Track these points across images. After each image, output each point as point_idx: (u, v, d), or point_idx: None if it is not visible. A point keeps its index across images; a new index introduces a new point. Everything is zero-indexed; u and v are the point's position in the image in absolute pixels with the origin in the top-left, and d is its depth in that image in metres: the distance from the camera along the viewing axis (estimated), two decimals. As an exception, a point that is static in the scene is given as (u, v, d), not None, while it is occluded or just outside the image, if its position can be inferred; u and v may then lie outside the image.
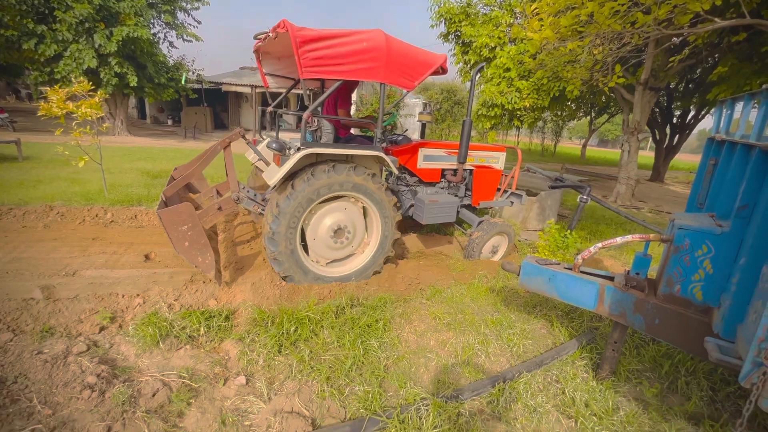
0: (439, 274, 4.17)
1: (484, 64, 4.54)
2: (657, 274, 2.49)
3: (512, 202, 5.11)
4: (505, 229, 4.57)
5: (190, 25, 15.44)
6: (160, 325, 2.68)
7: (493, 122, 10.35)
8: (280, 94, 4.38)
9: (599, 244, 2.48)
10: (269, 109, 4.07)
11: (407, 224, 5.25)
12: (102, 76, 12.60)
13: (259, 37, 3.27)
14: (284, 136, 4.16)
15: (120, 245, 4.15)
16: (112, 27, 12.16)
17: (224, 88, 19.21)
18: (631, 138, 9.01)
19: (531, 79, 9.00)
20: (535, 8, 4.62)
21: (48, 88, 4.65)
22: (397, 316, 3.26)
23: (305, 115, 2.94)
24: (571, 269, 2.69)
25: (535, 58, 7.46)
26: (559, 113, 14.25)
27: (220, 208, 3.26)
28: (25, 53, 11.90)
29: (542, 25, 4.13)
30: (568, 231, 4.43)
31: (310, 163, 3.24)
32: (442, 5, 10.22)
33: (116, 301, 2.94)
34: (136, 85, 13.11)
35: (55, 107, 4.61)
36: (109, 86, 12.82)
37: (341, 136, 3.96)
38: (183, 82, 14.04)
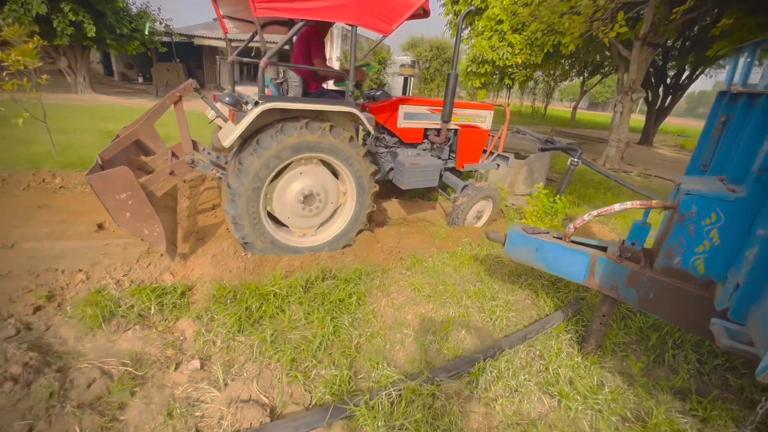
0: (421, 242, 3.94)
1: (472, 8, 4.04)
2: (654, 245, 2.27)
3: (498, 165, 4.82)
4: (490, 194, 4.31)
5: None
6: (103, 304, 2.38)
7: (483, 80, 9.78)
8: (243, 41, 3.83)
9: (594, 212, 2.22)
10: (230, 59, 3.55)
11: (388, 189, 4.93)
12: (55, 24, 11.32)
13: None
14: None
15: (70, 213, 3.74)
16: (60, -34, 10.75)
17: (196, 41, 17.70)
18: (624, 98, 8.65)
19: (524, 33, 8.38)
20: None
21: (-30, 33, 3.98)
22: (374, 288, 3.04)
23: (262, 62, 2.50)
24: (560, 238, 2.46)
25: (530, 6, 6.86)
26: (551, 72, 13.65)
27: (172, 173, 2.87)
28: (-38, -4, 10.49)
29: None
30: (558, 196, 4.19)
31: (278, 119, 2.83)
32: (431, -54, 9.26)
33: (55, 278, 2.61)
34: (95, 35, 11.87)
35: (-20, 55, 3.97)
36: (64, 36, 11.58)
37: (311, 91, 3.51)
38: (147, 32, 12.76)
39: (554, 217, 4.12)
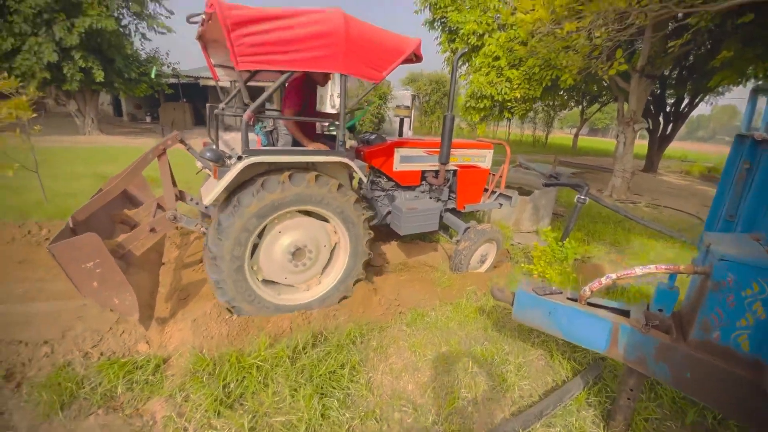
0: (423, 292, 3.67)
1: (466, 49, 3.98)
2: (685, 310, 2.00)
3: (501, 204, 4.61)
4: (493, 236, 4.08)
5: (161, 15, 14.53)
6: (64, 385, 2.13)
7: (482, 114, 9.81)
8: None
9: (612, 275, 1.98)
10: (221, 107, 3.45)
11: (387, 231, 4.71)
12: (65, 71, 11.74)
13: (193, 20, 2.67)
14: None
15: (50, 269, 3.53)
16: (73, 18, 11.28)
17: (202, 82, 18.31)
18: (626, 129, 8.56)
19: (522, 68, 8.46)
20: (527, -14, 4.09)
21: (-33, 86, 3.98)
22: (370, 352, 2.75)
23: (246, 114, 2.37)
24: (575, 300, 2.20)
25: (526, 45, 6.91)
26: (551, 103, 13.76)
27: (152, 230, 2.69)
28: (-22, 48, 10.97)
29: (534, 5, 3.58)
30: (566, 240, 3.94)
31: (262, 172, 2.67)
32: (426, -10, 9.59)
33: (16, 351, 2.37)
34: (103, 80, 12.26)
35: (-26, 108, 3.95)
36: (73, 82, 11.97)
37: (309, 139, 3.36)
38: (153, 76, 13.19)
39: (564, 262, 3.85)
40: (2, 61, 11.36)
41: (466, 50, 3.22)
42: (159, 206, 3.23)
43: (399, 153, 3.64)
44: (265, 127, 3.21)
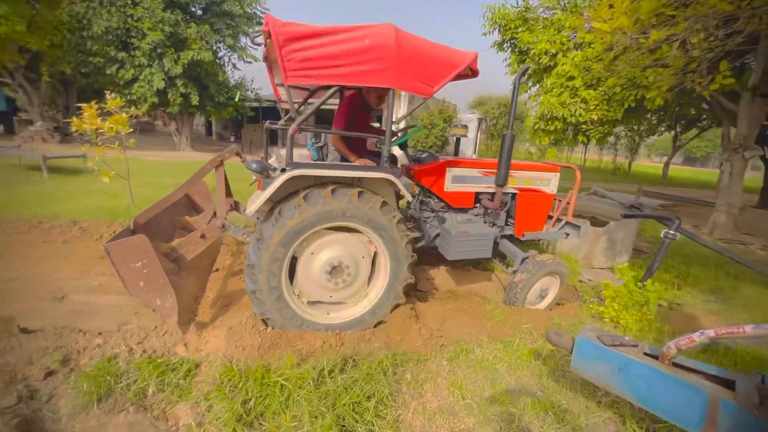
0: (470, 325, 3.33)
1: (529, 65, 3.69)
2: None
3: (567, 234, 4.09)
4: (556, 269, 3.60)
5: (251, 47, 16.28)
6: (104, 379, 2.23)
7: (553, 137, 9.14)
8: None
9: (710, 332, 1.53)
10: (280, 123, 3.58)
11: (437, 255, 4.46)
12: (169, 96, 13.63)
13: (256, 41, 2.81)
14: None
15: (123, 266, 3.92)
16: (180, 51, 13.13)
17: (280, 105, 19.98)
18: (733, 156, 7.29)
19: (600, 88, 7.75)
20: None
21: (84, 105, 4.71)
22: (404, 385, 2.51)
23: (291, 128, 2.38)
24: (655, 357, 1.76)
25: (604, 61, 6.30)
26: (635, 127, 12.43)
27: (203, 236, 2.81)
28: (108, 77, 13.28)
29: (614, 13, 3.15)
30: (649, 281, 3.32)
31: (307, 185, 2.66)
32: (496, 12, 9.41)
33: (75, 340, 2.57)
34: (198, 104, 13.97)
35: (86, 123, 4.63)
36: (175, 105, 13.82)
37: (358, 155, 3.33)
38: (237, 99, 14.76)
39: (644, 308, 3.23)
40: (123, 88, 13.58)
41: (529, 66, 2.97)
42: (214, 214, 3.39)
43: (451, 172, 3.43)
44: (317, 142, 3.24)
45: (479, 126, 22.11)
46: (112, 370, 2.31)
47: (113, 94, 4.92)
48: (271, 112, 21.81)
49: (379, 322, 3.01)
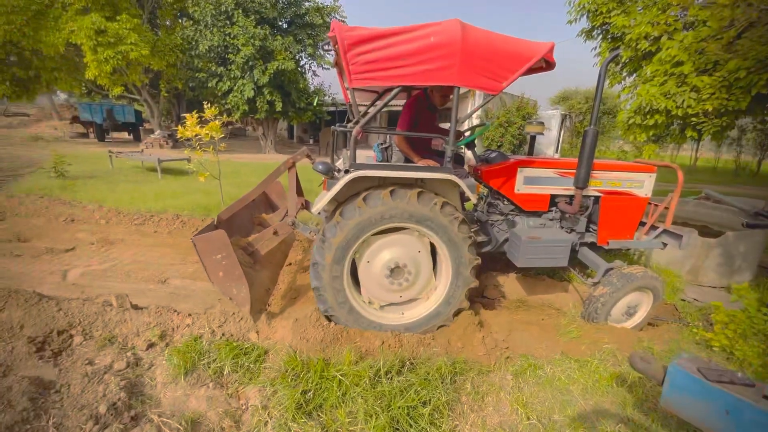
0: (541, 338, 3.07)
1: (620, 51, 3.25)
2: None
3: (664, 245, 3.53)
4: (648, 283, 3.14)
5: (329, 54, 17.24)
6: (190, 354, 2.53)
7: (652, 133, 7.98)
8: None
9: None
10: (349, 125, 3.71)
11: (506, 261, 4.20)
12: (258, 104, 15.06)
13: (326, 47, 2.94)
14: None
15: (213, 256, 4.42)
16: (267, 63, 14.43)
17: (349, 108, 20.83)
18: None
19: (718, 73, 6.54)
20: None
21: (187, 115, 5.43)
22: (463, 395, 2.41)
23: (354, 130, 2.43)
24: (779, 402, 1.41)
25: (722, 40, 5.29)
26: (766, 119, 10.27)
27: (275, 233, 3.03)
28: (210, 90, 15.18)
29: None
30: (777, 306, 2.71)
31: (370, 186, 2.71)
32: (584, -4, 8.53)
33: (170, 318, 2.96)
34: (281, 109, 15.21)
35: (188, 130, 5.33)
36: (262, 112, 15.23)
37: (418, 155, 3.31)
38: (315, 105, 15.72)
39: (767, 341, 2.64)
40: (221, 99, 15.38)
41: (619, 52, 2.60)
42: (287, 213, 3.64)
43: (522, 173, 3.20)
44: (382, 144, 3.28)
45: (563, 123, 20.33)
46: (198, 348, 2.61)
47: (209, 104, 5.57)
48: (346, 115, 22.83)
49: (441, 326, 2.93)
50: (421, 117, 3.16)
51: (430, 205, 2.58)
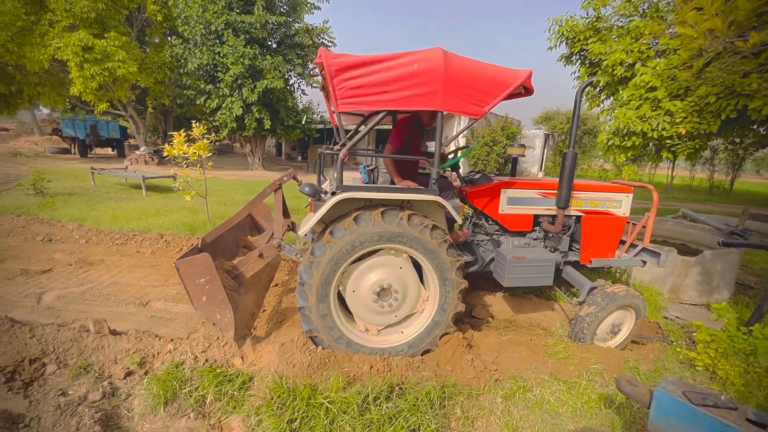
0: (529, 359, 3.06)
1: (592, 79, 3.40)
2: None
3: (644, 262, 3.63)
4: (630, 302, 3.20)
5: (317, 74, 17.47)
6: (171, 383, 2.43)
7: (630, 153, 8.29)
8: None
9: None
10: (334, 148, 3.75)
11: (493, 280, 4.24)
12: (246, 121, 15.09)
13: (313, 72, 3.00)
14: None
15: (196, 277, 4.32)
16: (256, 81, 14.55)
17: (335, 131, 21.08)
18: None
19: (689, 98, 6.89)
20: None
21: (175, 133, 5.40)
22: (453, 420, 2.38)
23: (342, 153, 2.46)
24: (762, 424, 1.44)
25: (692, 69, 5.59)
26: (738, 140, 10.78)
27: (261, 255, 2.99)
28: (198, 107, 15.15)
29: (702, 15, 2.71)
30: (757, 325, 2.78)
31: (358, 207, 2.72)
32: (563, 23, 8.96)
33: (151, 344, 2.85)
34: (269, 127, 15.25)
35: (176, 149, 5.29)
36: (250, 129, 15.24)
37: (400, 177, 3.34)
38: (304, 122, 15.84)
39: (750, 357, 2.70)
40: (209, 116, 15.36)
41: (592, 80, 2.74)
42: (273, 234, 3.61)
43: (506, 194, 3.27)
44: (368, 166, 3.32)
45: (546, 142, 20.93)
46: (179, 376, 2.52)
47: (197, 123, 5.56)
48: (333, 135, 23.05)
49: (426, 351, 2.91)
50: (412, 137, 3.23)
51: (420, 227, 2.60)
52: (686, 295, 4.42)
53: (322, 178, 3.70)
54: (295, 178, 3.17)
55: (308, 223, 2.58)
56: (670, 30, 5.21)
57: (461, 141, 16.47)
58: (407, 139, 3.20)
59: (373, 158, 3.30)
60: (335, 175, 2.59)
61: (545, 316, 3.99)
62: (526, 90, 2.75)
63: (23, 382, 2.45)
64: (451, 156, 3.75)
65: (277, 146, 28.30)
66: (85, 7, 12.53)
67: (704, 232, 5.48)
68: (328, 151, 2.98)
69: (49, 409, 2.24)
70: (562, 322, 3.86)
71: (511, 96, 2.62)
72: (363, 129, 2.88)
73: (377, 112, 2.55)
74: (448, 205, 2.61)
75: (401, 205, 2.78)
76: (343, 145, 2.59)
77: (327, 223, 2.72)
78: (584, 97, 9.65)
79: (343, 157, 2.45)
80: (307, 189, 2.54)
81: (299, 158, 25.61)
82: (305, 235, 2.70)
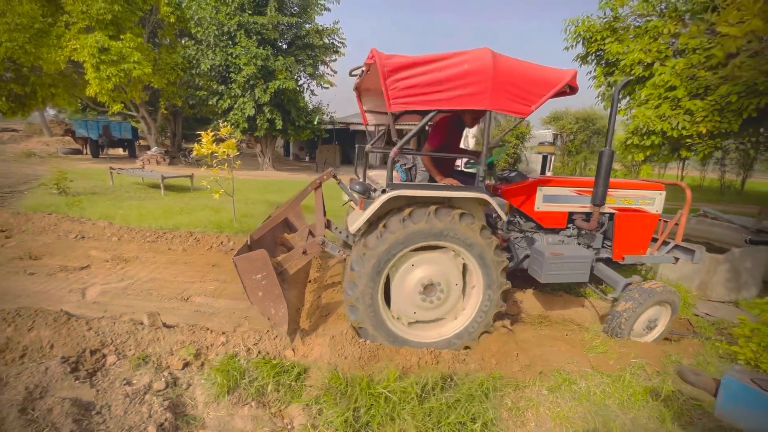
0: (570, 354, 3.13)
1: (631, 78, 3.48)
2: None
3: (676, 260, 3.68)
4: (667, 297, 3.26)
5: (327, 74, 17.62)
6: (231, 373, 2.52)
7: (648, 153, 8.32)
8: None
9: None
10: (367, 147, 3.83)
11: (525, 277, 4.29)
12: (258, 122, 15.20)
13: (354, 73, 3.09)
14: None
15: (231, 273, 4.41)
16: (268, 82, 14.66)
17: (352, 127, 21.12)
18: None
19: (710, 97, 6.92)
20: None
21: (203, 132, 5.49)
22: (504, 411, 2.44)
23: (392, 151, 2.54)
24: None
25: (715, 69, 5.64)
26: (753, 140, 10.74)
27: (305, 252, 3.07)
28: (210, 108, 15.28)
29: (744, 15, 2.75)
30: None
31: (407, 204, 2.80)
32: (580, 24, 9.00)
33: (204, 336, 2.94)
34: (281, 128, 15.35)
35: (204, 148, 5.39)
36: (261, 129, 15.35)
37: (446, 174, 3.42)
38: (315, 123, 15.96)
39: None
40: (221, 117, 15.49)
41: (631, 79, 2.79)
42: (310, 232, 3.69)
43: (542, 191, 3.33)
44: (404, 165, 3.40)
45: (554, 142, 20.92)
46: (236, 367, 2.61)
47: (224, 123, 5.65)
48: (343, 133, 23.10)
49: (466, 346, 3.00)
50: (453, 136, 3.30)
51: (471, 226, 2.68)
52: (714, 293, 4.47)
53: (356, 176, 3.78)
54: (335, 176, 3.25)
55: (358, 220, 2.66)
56: (708, 31, 5.22)
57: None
58: (448, 138, 3.28)
59: (413, 156, 3.36)
60: (365, 173, 2.64)
61: (577, 312, 4.05)
62: (571, 89, 2.82)
63: (87, 372, 2.54)
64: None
65: (285, 146, 28.44)
66: (101, 9, 12.69)
67: (728, 229, 5.52)
68: (376, 151, 3.05)
69: (117, 397, 2.32)
70: (594, 317, 3.92)
71: (556, 94, 2.69)
72: (408, 129, 2.96)
73: (419, 112, 2.62)
74: (493, 202, 2.68)
75: (443, 202, 2.86)
76: (392, 144, 2.67)
77: (373, 221, 2.79)
78: (601, 99, 9.70)
79: (394, 156, 2.53)
80: (357, 187, 2.62)
81: (307, 158, 25.71)
82: (352, 232, 2.77)
